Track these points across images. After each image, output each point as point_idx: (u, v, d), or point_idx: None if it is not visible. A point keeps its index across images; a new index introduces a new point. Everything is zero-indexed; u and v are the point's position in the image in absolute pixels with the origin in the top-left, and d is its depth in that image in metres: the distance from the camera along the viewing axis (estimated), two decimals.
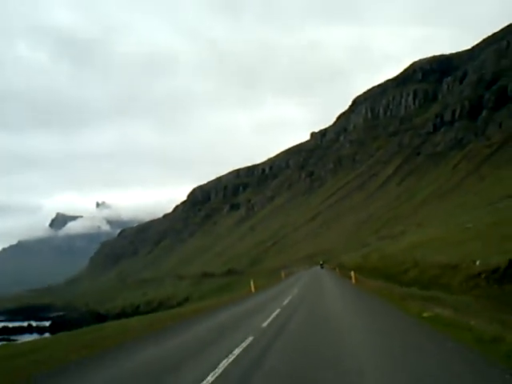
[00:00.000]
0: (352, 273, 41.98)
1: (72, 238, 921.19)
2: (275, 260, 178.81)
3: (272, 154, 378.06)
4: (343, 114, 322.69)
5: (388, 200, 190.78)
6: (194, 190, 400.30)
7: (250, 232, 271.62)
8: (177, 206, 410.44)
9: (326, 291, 34.35)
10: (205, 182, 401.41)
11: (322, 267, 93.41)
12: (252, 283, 44.92)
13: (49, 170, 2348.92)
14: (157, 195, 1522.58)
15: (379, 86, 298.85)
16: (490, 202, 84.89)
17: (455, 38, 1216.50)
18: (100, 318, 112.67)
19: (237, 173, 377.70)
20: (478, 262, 24.79)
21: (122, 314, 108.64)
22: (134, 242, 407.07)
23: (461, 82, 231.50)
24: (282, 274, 77.11)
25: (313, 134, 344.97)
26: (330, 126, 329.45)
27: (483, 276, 22.71)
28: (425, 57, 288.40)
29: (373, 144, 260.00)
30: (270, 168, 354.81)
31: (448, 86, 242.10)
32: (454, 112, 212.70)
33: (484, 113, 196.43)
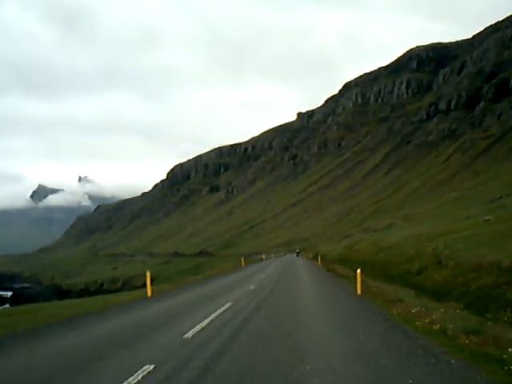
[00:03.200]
0: (358, 271, 21.54)
1: (51, 211, 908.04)
2: (250, 245, 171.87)
3: (257, 134, 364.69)
4: (332, 97, 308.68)
5: (374, 190, 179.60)
6: (175, 167, 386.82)
7: (227, 215, 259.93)
8: (156, 184, 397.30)
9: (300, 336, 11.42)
10: (186, 159, 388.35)
11: (298, 255, 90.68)
12: (148, 277, 24.04)
13: (33, 137, 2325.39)
14: (140, 171, 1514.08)
15: (371, 72, 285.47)
16: (492, 198, 73.81)
17: (453, 30, 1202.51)
18: (62, 293, 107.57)
19: (219, 150, 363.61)
20: None
21: (85, 291, 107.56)
22: (109, 218, 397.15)
23: (458, 73, 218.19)
24: (242, 262, 65.09)
25: (299, 114, 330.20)
26: (318, 108, 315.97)
27: None
28: (421, 44, 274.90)
29: (361, 129, 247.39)
30: (253, 148, 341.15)
31: (444, 77, 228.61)
32: (449, 101, 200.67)
33: (482, 104, 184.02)
